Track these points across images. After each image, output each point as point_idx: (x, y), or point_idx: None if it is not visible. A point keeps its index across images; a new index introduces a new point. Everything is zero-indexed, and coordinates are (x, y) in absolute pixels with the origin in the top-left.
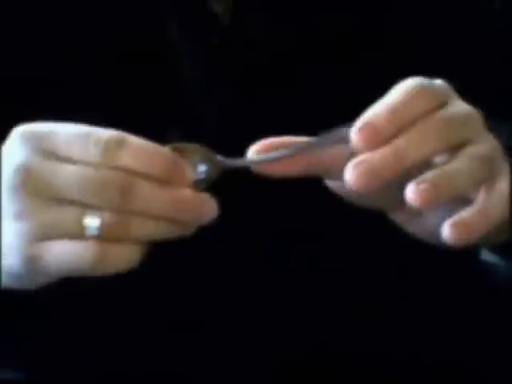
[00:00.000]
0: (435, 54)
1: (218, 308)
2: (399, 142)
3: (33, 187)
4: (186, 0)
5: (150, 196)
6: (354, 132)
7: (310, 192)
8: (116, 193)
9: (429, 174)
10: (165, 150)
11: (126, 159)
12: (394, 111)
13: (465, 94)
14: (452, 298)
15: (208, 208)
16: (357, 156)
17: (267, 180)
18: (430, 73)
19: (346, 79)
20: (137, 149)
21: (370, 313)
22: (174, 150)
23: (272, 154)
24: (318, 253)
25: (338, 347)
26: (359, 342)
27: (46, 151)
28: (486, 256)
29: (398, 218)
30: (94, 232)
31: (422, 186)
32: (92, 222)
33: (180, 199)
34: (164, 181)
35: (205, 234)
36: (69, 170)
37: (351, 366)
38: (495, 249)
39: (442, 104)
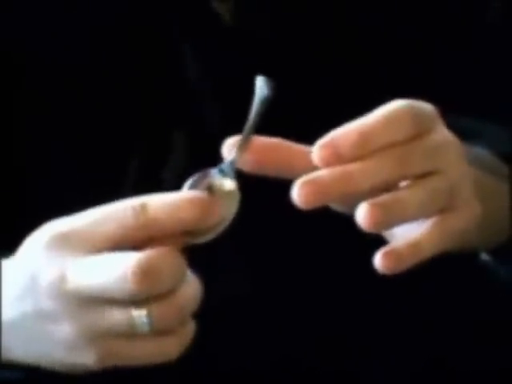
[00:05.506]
0: (434, 53)
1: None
2: (353, 167)
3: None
4: (189, 0)
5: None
6: (317, 147)
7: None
8: (132, 280)
9: (380, 199)
10: (188, 194)
11: (159, 216)
12: (364, 136)
13: (462, 96)
14: (451, 298)
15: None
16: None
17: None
18: (428, 75)
19: (347, 80)
20: (162, 205)
21: (368, 312)
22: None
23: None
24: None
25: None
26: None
27: (78, 253)
28: (485, 256)
29: None
30: (146, 327)
31: (373, 209)
32: (140, 316)
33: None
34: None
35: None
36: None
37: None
38: (493, 252)
39: (423, 131)
